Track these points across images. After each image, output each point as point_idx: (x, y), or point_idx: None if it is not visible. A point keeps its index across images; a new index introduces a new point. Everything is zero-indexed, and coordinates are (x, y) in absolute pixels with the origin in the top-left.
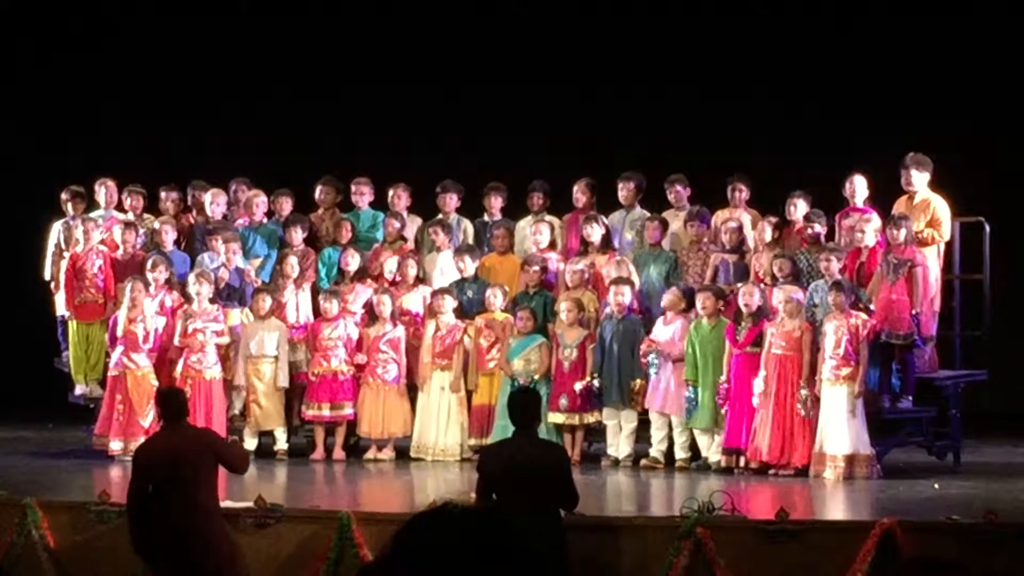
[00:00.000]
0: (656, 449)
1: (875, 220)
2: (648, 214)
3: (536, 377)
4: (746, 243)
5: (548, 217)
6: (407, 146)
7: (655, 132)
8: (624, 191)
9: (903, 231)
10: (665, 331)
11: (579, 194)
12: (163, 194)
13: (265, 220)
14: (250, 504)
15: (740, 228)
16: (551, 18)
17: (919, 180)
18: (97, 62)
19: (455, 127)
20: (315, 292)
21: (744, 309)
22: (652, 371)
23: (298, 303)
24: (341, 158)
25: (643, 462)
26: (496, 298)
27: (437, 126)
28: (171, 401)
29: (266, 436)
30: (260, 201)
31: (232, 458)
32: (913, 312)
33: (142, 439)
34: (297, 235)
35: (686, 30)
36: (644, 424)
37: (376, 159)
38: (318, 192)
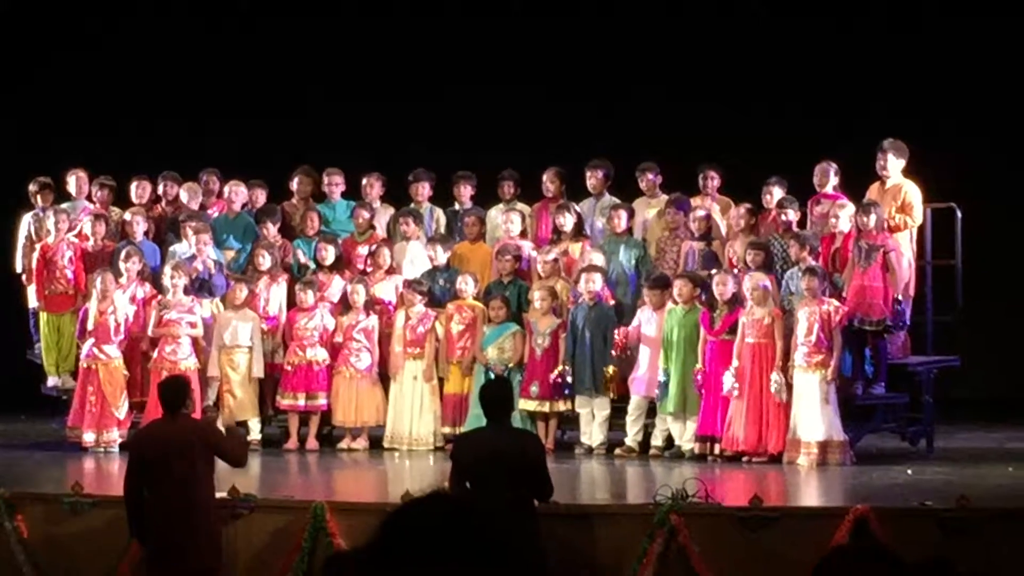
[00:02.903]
0: (632, 438)
1: (849, 206)
2: (617, 201)
3: (510, 365)
4: (714, 231)
5: (519, 205)
6: (379, 136)
7: (628, 120)
8: (593, 179)
9: (873, 217)
10: (652, 319)
11: (548, 182)
12: (135, 184)
13: (240, 210)
14: (224, 494)
15: (708, 216)
16: (524, 16)
17: (894, 166)
18: (67, 57)
19: (427, 119)
20: (291, 283)
21: (719, 297)
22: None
23: (269, 296)
24: (316, 148)
25: (618, 451)
26: (467, 286)
27: (409, 118)
28: (173, 391)
29: (240, 426)
30: (239, 191)
31: (230, 451)
32: (896, 297)
33: (115, 430)
34: (271, 229)
35: (657, 22)
36: (617, 412)
37: (351, 149)
38: (295, 182)
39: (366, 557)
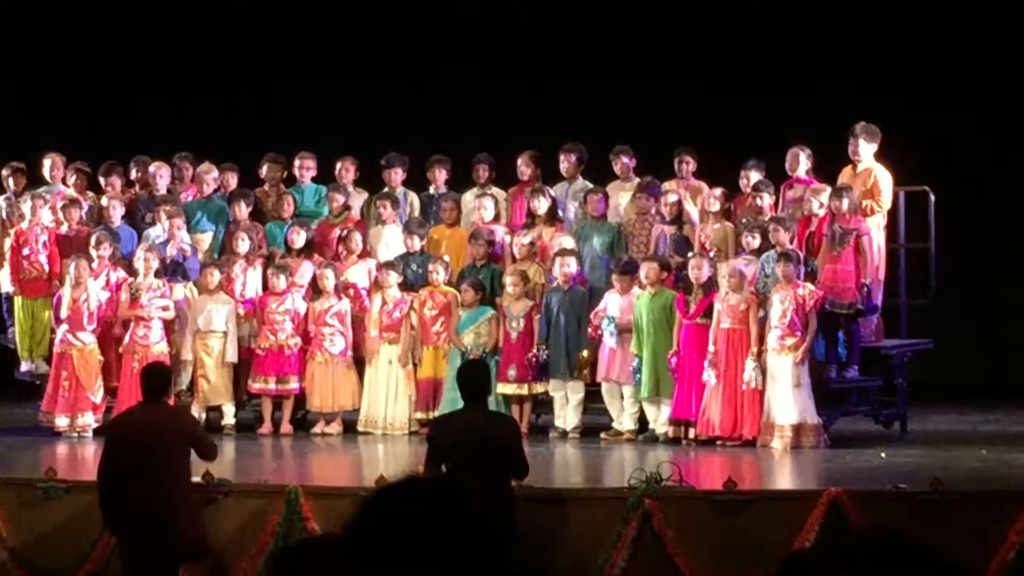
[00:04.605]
0: (618, 421)
1: (826, 190)
2: (591, 185)
3: (486, 350)
4: (685, 215)
5: (493, 190)
6: (352, 120)
7: (603, 103)
8: (566, 163)
9: (846, 201)
10: (618, 303)
11: (523, 166)
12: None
13: (212, 194)
14: (198, 479)
15: (679, 201)
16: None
17: (866, 150)
18: (42, 38)
19: (400, 103)
20: (264, 266)
21: (694, 281)
22: (611, 340)
23: (246, 280)
24: (285, 133)
25: (603, 435)
26: (438, 271)
27: (383, 102)
28: (155, 377)
29: (214, 411)
30: (211, 177)
31: (205, 446)
32: (864, 282)
33: (90, 414)
34: (243, 210)
35: (633, 9)
36: (590, 396)
37: (323, 134)
38: (264, 169)
39: (343, 543)
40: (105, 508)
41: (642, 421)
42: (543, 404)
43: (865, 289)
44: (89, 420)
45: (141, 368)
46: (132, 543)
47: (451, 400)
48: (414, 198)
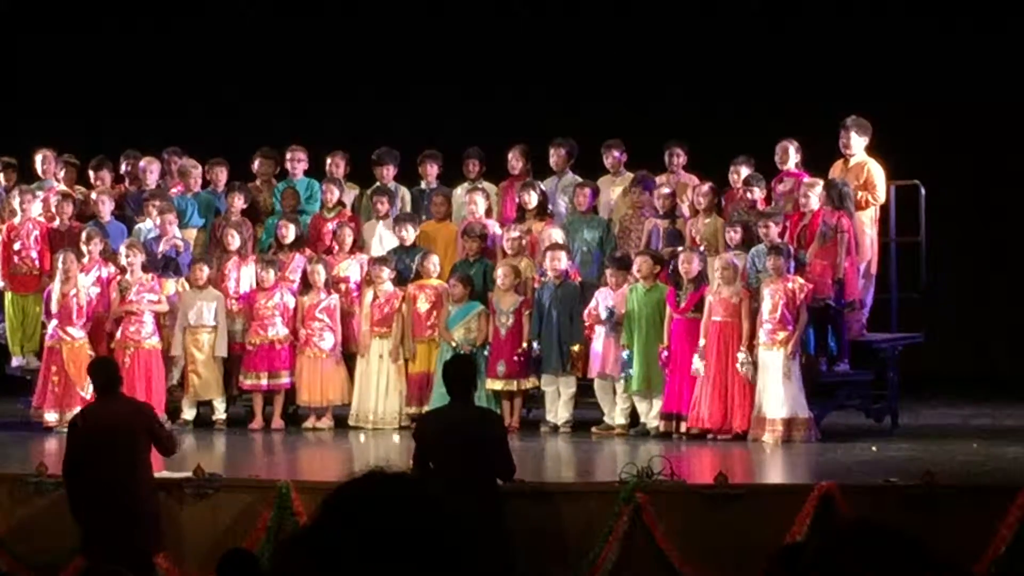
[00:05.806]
0: (609, 416)
1: (819, 184)
2: (580, 179)
3: (476, 345)
4: (678, 209)
5: (484, 184)
6: (344, 114)
7: (593, 98)
8: (555, 157)
9: (834, 195)
10: (610, 298)
11: (514, 160)
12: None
13: (200, 190)
14: (189, 474)
15: (672, 194)
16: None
17: (857, 143)
18: (36, 35)
19: (392, 96)
20: (258, 261)
21: (684, 275)
22: (608, 329)
23: (239, 275)
24: (274, 127)
25: (594, 430)
26: (431, 265)
27: (374, 94)
28: (103, 372)
29: (205, 406)
30: (197, 172)
31: (163, 439)
32: (837, 278)
33: (79, 410)
34: (238, 202)
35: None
36: (582, 390)
37: (312, 128)
38: (256, 164)
39: (306, 542)
40: (71, 501)
41: (633, 416)
42: (534, 399)
43: (837, 286)
44: None
45: (87, 366)
46: (93, 536)
47: (441, 396)
48: (405, 193)
